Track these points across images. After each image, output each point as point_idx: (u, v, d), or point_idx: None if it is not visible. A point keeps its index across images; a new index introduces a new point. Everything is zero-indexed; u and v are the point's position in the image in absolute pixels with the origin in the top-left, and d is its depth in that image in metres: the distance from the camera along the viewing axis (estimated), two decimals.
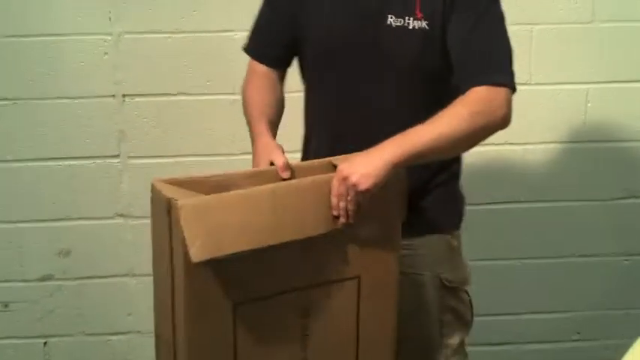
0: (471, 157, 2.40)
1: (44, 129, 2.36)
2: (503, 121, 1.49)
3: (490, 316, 2.58)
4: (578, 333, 2.62)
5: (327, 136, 1.67)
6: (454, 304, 1.69)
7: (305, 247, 1.36)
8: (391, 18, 1.55)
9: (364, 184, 1.37)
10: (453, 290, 1.68)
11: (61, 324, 2.49)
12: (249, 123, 1.67)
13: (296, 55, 1.72)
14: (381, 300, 1.46)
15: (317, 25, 1.63)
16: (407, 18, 1.54)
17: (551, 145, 2.48)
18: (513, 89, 1.51)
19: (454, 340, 1.70)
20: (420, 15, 1.54)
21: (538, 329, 2.61)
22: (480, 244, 2.53)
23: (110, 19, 2.30)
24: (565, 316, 2.62)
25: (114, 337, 2.52)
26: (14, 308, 2.47)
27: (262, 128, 1.60)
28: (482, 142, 2.38)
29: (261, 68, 1.74)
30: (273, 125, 1.66)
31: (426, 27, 1.54)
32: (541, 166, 2.50)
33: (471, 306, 1.73)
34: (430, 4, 1.54)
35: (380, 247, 1.44)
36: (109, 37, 2.32)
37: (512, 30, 1.59)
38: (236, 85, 2.18)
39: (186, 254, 1.25)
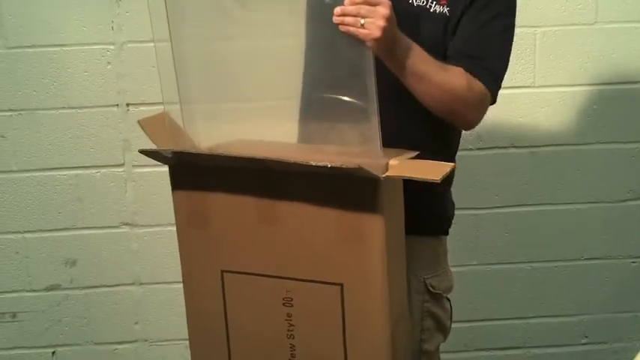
0: (477, 160, 2.43)
1: (49, 139, 2.37)
2: (469, 122, 1.57)
3: (498, 320, 2.58)
4: (587, 336, 2.61)
5: None
6: (436, 311, 1.66)
7: (287, 236, 1.40)
8: None
9: (380, 24, 1.34)
10: (437, 297, 1.66)
11: (68, 333, 2.50)
12: None
13: None
14: (368, 313, 1.42)
15: None
16: (430, 0, 1.53)
17: (557, 148, 2.47)
18: (494, 101, 1.57)
19: (431, 346, 1.68)
20: (444, 1, 1.53)
21: (546, 333, 2.60)
22: (487, 247, 2.53)
23: (113, 28, 2.31)
24: (573, 320, 2.60)
25: (121, 346, 2.52)
26: (22, 318, 2.48)
27: None
28: (487, 145, 2.41)
29: None
30: None
31: (447, 13, 1.53)
32: (547, 168, 2.49)
33: (451, 313, 1.71)
34: None
35: (365, 259, 1.39)
36: (112, 47, 2.32)
37: (516, 32, 1.60)
38: None
39: (178, 214, 1.49)
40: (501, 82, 1.59)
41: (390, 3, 1.35)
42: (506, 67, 1.59)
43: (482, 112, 1.56)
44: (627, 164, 2.49)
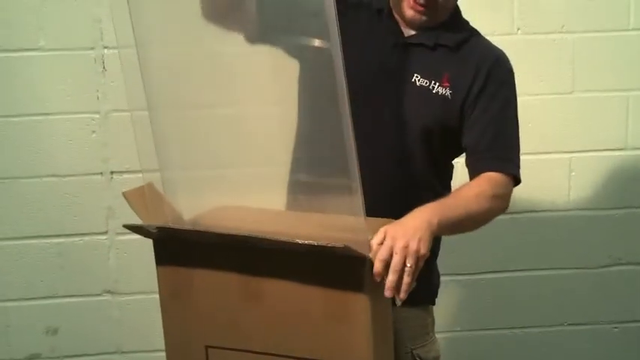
0: None
1: (32, 207, 2.37)
2: (504, 210, 1.58)
3: None
4: None
5: None
6: None
7: (272, 312, 1.38)
8: (417, 77, 1.57)
9: (424, 248, 1.31)
10: None
11: None
12: None
13: None
14: None
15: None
16: (433, 82, 1.57)
17: (538, 214, 2.50)
18: (518, 181, 1.60)
19: None
20: (446, 84, 1.57)
21: None
22: (469, 314, 2.53)
23: (98, 97, 2.33)
24: None
25: None
26: None
27: None
28: None
29: None
30: None
31: (449, 96, 1.57)
32: (528, 235, 2.51)
33: None
34: (458, 78, 1.57)
35: (351, 337, 1.36)
36: (97, 116, 2.34)
37: None
38: None
39: (162, 288, 1.46)
40: (519, 161, 1.62)
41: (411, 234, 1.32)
42: (519, 144, 1.63)
43: (510, 196, 1.59)
44: (606, 230, 2.51)
